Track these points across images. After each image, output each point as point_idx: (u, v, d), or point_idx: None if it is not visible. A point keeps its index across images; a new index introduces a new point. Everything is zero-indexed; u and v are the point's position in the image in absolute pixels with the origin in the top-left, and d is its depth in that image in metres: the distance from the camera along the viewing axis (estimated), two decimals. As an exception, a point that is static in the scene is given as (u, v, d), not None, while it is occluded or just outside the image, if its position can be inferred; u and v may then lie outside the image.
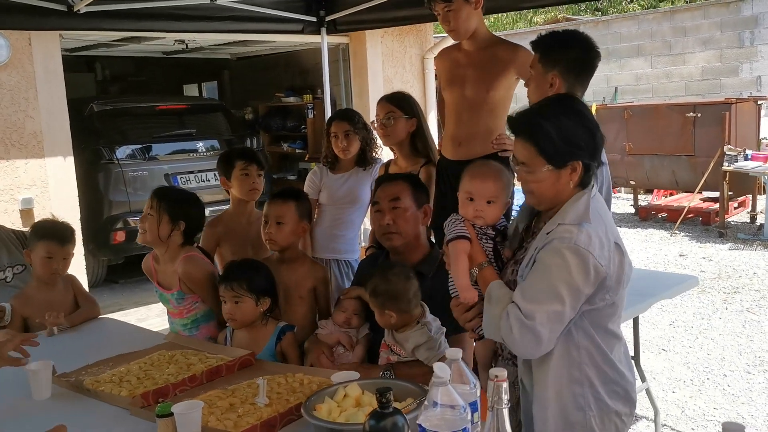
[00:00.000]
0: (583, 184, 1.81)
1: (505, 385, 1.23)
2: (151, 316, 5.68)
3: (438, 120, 7.24)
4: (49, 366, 2.16)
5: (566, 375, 1.78)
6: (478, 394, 1.48)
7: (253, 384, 2.05)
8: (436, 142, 3.57)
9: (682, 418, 3.78)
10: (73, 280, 3.04)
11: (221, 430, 1.77)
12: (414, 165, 3.28)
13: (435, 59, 3.39)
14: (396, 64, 7.60)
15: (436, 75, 7.98)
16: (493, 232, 2.02)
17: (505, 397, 1.23)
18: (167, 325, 2.98)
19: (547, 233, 1.77)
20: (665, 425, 3.67)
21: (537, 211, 2.02)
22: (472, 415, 1.41)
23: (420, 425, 1.33)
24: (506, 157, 2.93)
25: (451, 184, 3.16)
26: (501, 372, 1.23)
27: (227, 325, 2.54)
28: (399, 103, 3.27)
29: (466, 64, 3.04)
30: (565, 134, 1.75)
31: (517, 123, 1.85)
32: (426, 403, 1.34)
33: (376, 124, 3.33)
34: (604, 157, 2.12)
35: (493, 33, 3.23)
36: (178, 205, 2.69)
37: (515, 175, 1.92)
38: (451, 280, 2.03)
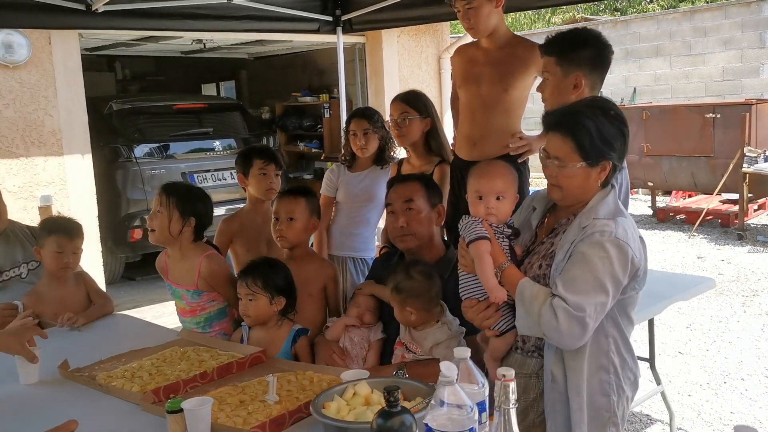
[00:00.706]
0: (605, 183, 1.92)
1: (513, 384, 1.22)
2: (167, 314, 5.70)
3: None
4: (37, 351, 2.21)
5: (595, 363, 1.88)
6: (486, 393, 1.47)
7: (264, 381, 2.05)
8: (451, 141, 3.57)
9: (698, 422, 3.73)
10: (84, 276, 3.05)
11: (231, 426, 1.78)
12: (427, 164, 3.27)
13: (452, 57, 3.35)
14: (412, 63, 7.60)
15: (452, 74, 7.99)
16: (510, 230, 2.02)
17: (513, 397, 1.22)
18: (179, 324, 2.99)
19: (583, 227, 1.84)
20: (681, 429, 3.63)
21: (550, 207, 2.05)
22: (480, 415, 1.40)
23: (426, 425, 1.32)
24: (516, 157, 2.93)
25: (465, 184, 3.14)
26: (508, 371, 1.22)
27: (242, 323, 2.55)
28: (414, 103, 3.27)
29: (483, 62, 3.02)
30: (603, 134, 1.84)
31: (557, 118, 1.93)
32: (433, 402, 1.34)
33: (390, 124, 3.33)
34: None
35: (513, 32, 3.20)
36: (188, 201, 2.68)
37: (544, 168, 1.95)
38: (463, 281, 2.03)
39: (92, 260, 5.51)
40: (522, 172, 2.89)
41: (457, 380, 1.34)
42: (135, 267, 7.20)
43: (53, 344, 2.38)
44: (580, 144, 1.84)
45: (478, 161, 3.02)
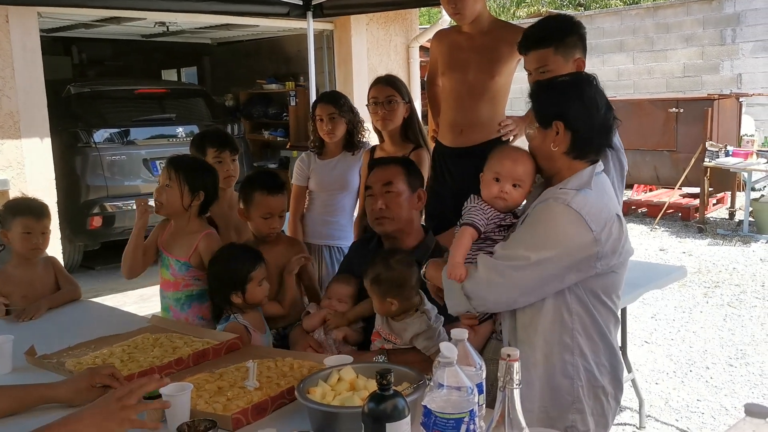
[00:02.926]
0: (580, 156, 1.84)
1: (517, 365, 1.18)
2: (128, 303, 5.56)
3: (422, 110, 7.20)
4: (9, 341, 2.13)
5: (557, 340, 1.82)
6: (484, 376, 1.43)
7: (242, 367, 1.99)
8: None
9: (666, 409, 3.78)
10: (54, 262, 2.99)
11: (211, 413, 1.71)
12: (402, 151, 3.21)
13: (432, 41, 3.28)
14: (381, 52, 7.53)
15: (421, 64, 7.94)
16: (514, 220, 1.96)
17: (517, 377, 1.18)
18: (144, 313, 2.90)
19: (546, 194, 1.83)
20: (650, 416, 3.68)
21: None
22: (478, 397, 1.36)
23: (425, 407, 1.27)
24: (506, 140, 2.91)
25: (449, 171, 3.10)
26: (513, 351, 1.18)
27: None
28: (398, 87, 3.22)
29: (468, 48, 2.97)
30: (551, 97, 1.86)
31: (529, 91, 1.97)
32: (431, 384, 1.29)
33: (370, 108, 3.26)
34: (617, 142, 2.15)
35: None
36: (198, 175, 2.65)
37: None
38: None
39: (50, 248, 5.28)
40: None
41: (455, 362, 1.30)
42: (94, 256, 6.99)
43: (21, 331, 2.30)
44: (535, 108, 1.89)
45: (462, 148, 3.01)
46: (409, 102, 3.25)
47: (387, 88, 3.20)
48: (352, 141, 3.42)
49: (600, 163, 1.90)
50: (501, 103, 3.00)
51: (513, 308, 1.83)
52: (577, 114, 1.81)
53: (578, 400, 1.83)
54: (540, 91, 1.92)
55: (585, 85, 1.85)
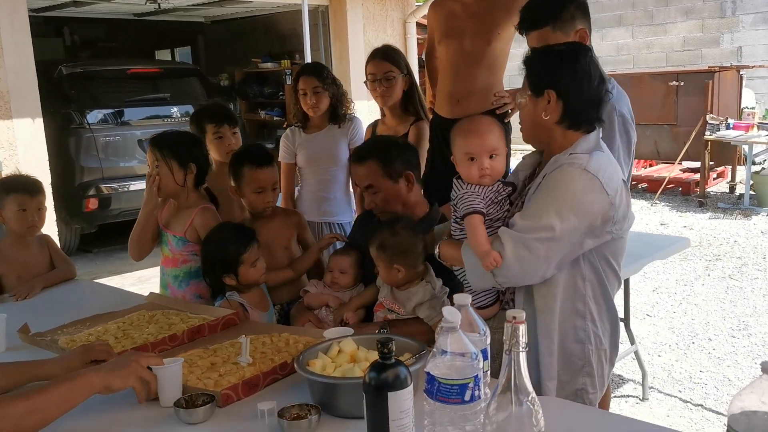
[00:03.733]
0: (574, 126, 1.82)
1: (523, 327, 1.13)
2: (126, 285, 5.50)
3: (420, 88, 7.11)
4: (2, 320, 2.09)
5: (570, 307, 1.81)
6: (488, 341, 1.38)
7: (236, 343, 1.94)
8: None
9: (669, 380, 3.76)
10: (48, 240, 2.95)
11: (202, 388, 1.66)
12: (402, 124, 3.15)
13: (428, 11, 3.21)
14: (377, 28, 7.42)
15: (418, 41, 7.83)
16: (507, 188, 1.91)
17: (523, 340, 1.13)
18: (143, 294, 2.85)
19: (557, 161, 1.78)
20: (653, 388, 3.65)
21: (540, 160, 1.98)
22: (483, 363, 1.31)
23: (428, 373, 1.23)
24: (502, 115, 2.84)
25: (447, 143, 3.03)
26: (519, 313, 1.13)
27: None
28: (396, 60, 3.12)
29: (464, 15, 2.91)
30: (545, 65, 1.83)
31: (523, 58, 1.93)
32: (434, 350, 1.24)
33: (369, 85, 3.17)
34: (628, 113, 2.19)
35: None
36: (184, 149, 2.59)
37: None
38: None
39: (46, 231, 5.24)
40: (506, 130, 2.79)
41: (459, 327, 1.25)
42: (91, 239, 6.94)
43: (15, 311, 2.26)
44: (528, 76, 1.87)
45: (459, 118, 2.92)
46: (408, 74, 3.16)
47: (384, 63, 3.10)
48: (336, 114, 3.33)
49: (598, 131, 1.86)
50: (499, 71, 2.93)
51: (538, 281, 1.79)
52: (569, 84, 1.79)
53: (588, 363, 1.85)
54: (534, 59, 1.89)
55: (580, 55, 1.83)
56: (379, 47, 3.26)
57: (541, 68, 1.84)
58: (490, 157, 1.85)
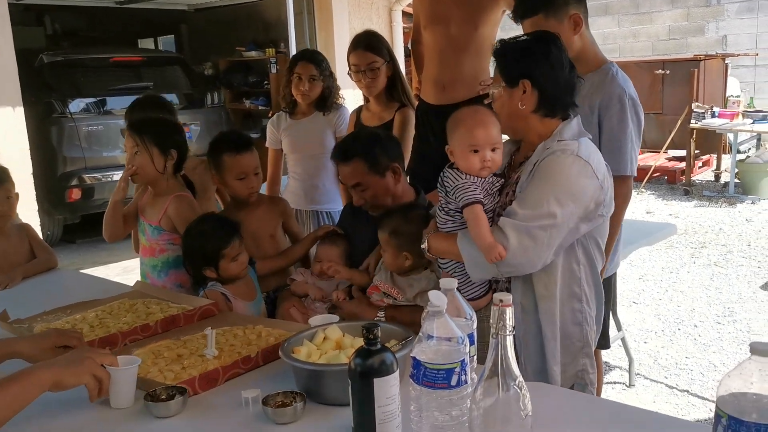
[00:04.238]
0: (550, 113, 1.83)
1: (510, 311, 1.11)
2: (111, 276, 5.43)
3: (407, 73, 7.08)
4: None
5: (568, 291, 1.83)
6: (474, 326, 1.37)
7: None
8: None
9: (655, 366, 3.78)
10: (28, 229, 2.90)
11: (158, 382, 1.62)
12: (387, 110, 3.11)
13: (413, -4, 3.16)
14: (363, 16, 7.37)
15: (404, 30, 7.78)
16: (501, 179, 1.90)
17: (510, 324, 1.11)
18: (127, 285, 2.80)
19: (547, 148, 1.79)
20: (639, 374, 3.67)
21: (516, 148, 2.00)
22: (470, 348, 1.29)
23: (414, 358, 1.21)
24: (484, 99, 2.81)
25: (433, 130, 3.00)
26: (506, 296, 1.11)
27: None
28: (378, 50, 3.05)
29: (450, 0, 2.87)
30: (518, 55, 1.84)
31: (494, 50, 1.94)
32: (420, 335, 1.22)
33: (353, 77, 3.12)
34: (635, 94, 2.20)
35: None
36: (166, 134, 2.51)
37: None
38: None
39: (28, 222, 5.17)
40: None
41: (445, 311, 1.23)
42: (75, 229, 6.86)
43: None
44: (501, 67, 1.87)
45: (446, 105, 2.89)
46: (391, 60, 3.11)
47: (366, 54, 3.02)
48: (324, 103, 3.29)
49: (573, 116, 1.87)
50: (485, 56, 2.90)
51: (539, 269, 1.78)
52: (543, 72, 1.81)
53: (587, 344, 1.87)
54: (505, 51, 1.89)
55: (550, 43, 1.84)
56: (360, 35, 3.18)
57: (513, 59, 1.85)
58: (492, 150, 1.83)
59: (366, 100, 3.26)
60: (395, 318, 2.03)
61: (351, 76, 3.12)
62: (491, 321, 1.12)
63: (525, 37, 1.93)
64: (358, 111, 3.26)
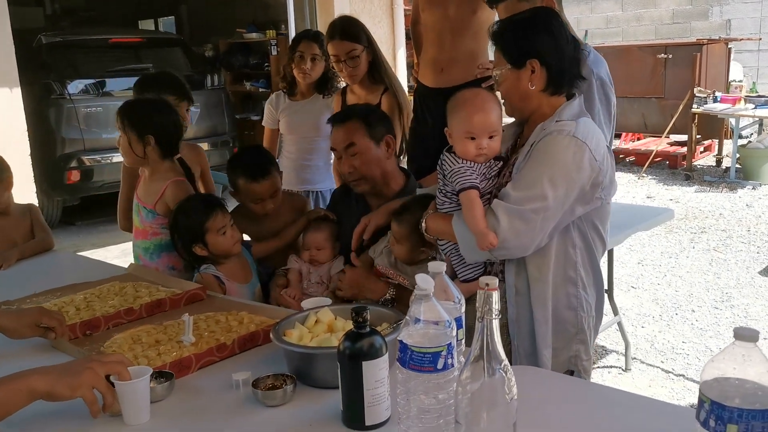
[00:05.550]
0: (557, 90, 1.81)
1: (496, 294, 1.10)
2: (110, 258, 5.46)
3: (408, 60, 7.02)
4: None
5: (562, 274, 1.80)
6: (463, 310, 1.36)
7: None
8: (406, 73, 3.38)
9: (652, 351, 3.78)
10: (33, 210, 2.93)
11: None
12: (373, 93, 3.05)
13: (413, -23, 3.12)
14: (364, -2, 7.30)
15: (405, 12, 7.71)
16: (501, 162, 1.87)
17: (496, 308, 1.10)
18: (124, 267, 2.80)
19: (544, 129, 1.76)
20: (635, 358, 3.67)
21: (521, 131, 1.96)
22: (457, 332, 1.29)
23: (401, 341, 1.20)
24: (482, 81, 2.78)
25: (430, 112, 2.99)
26: (492, 280, 1.10)
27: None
28: (357, 37, 2.98)
29: None
30: (522, 34, 1.79)
31: (491, 32, 1.89)
32: (407, 318, 1.22)
33: (334, 66, 3.06)
34: (606, 75, 2.14)
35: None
36: (143, 119, 2.47)
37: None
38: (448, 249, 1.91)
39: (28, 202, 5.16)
40: None
41: (432, 295, 1.22)
42: (74, 211, 6.87)
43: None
44: (503, 48, 1.82)
45: (444, 88, 2.87)
46: (370, 44, 3.02)
47: (344, 43, 2.95)
48: (325, 85, 3.28)
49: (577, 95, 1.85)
50: (483, 39, 2.87)
51: (533, 251, 1.77)
52: (549, 48, 1.77)
53: (582, 330, 1.85)
54: (505, 31, 1.84)
55: (551, 18, 1.81)
56: (335, 23, 3.09)
57: (516, 39, 1.80)
58: (490, 137, 1.81)
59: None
60: (402, 299, 2.00)
61: (332, 66, 3.10)
62: (477, 305, 1.11)
63: (523, 15, 1.88)
64: (343, 93, 3.21)
